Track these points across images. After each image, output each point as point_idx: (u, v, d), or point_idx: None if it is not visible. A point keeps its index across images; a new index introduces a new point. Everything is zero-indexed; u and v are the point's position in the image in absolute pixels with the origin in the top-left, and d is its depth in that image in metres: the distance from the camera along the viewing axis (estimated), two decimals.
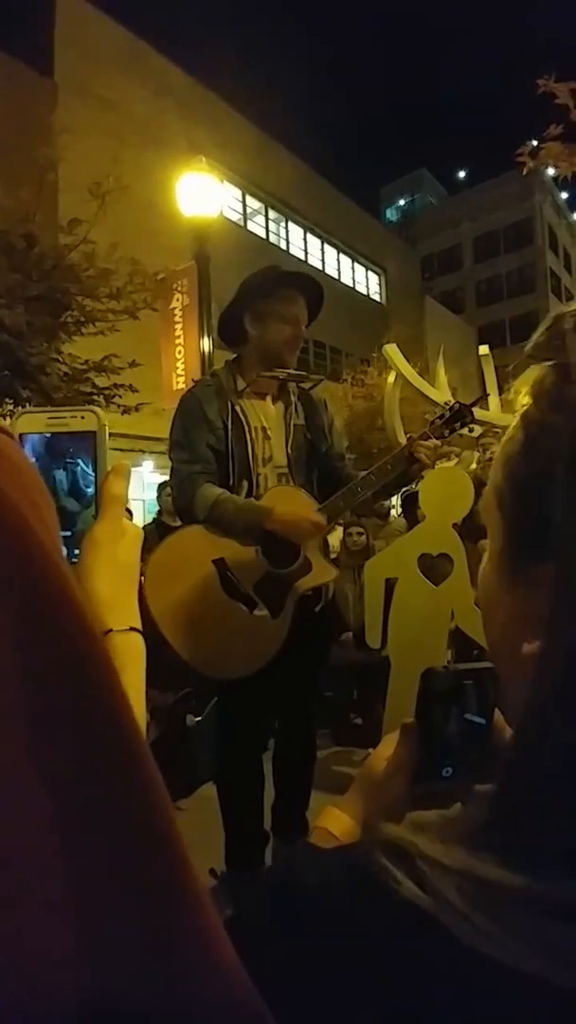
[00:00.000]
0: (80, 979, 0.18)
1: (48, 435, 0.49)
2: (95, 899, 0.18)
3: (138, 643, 0.46)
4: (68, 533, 0.49)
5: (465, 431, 1.83)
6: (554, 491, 0.29)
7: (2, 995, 0.17)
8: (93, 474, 0.50)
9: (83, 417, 0.50)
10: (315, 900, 0.29)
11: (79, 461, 0.49)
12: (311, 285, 1.86)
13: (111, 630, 0.44)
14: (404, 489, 2.53)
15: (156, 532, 4.38)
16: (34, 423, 0.49)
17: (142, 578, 1.73)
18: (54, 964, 0.17)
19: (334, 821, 0.53)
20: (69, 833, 0.18)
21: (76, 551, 0.47)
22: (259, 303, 1.79)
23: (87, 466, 0.50)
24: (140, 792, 0.20)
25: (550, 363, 0.33)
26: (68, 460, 0.50)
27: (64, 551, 0.48)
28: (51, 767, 0.18)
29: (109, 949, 0.18)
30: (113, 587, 0.46)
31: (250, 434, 1.76)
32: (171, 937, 0.19)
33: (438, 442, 1.72)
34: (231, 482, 1.72)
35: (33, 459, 0.49)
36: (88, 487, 0.50)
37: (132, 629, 0.46)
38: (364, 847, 0.30)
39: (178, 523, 1.77)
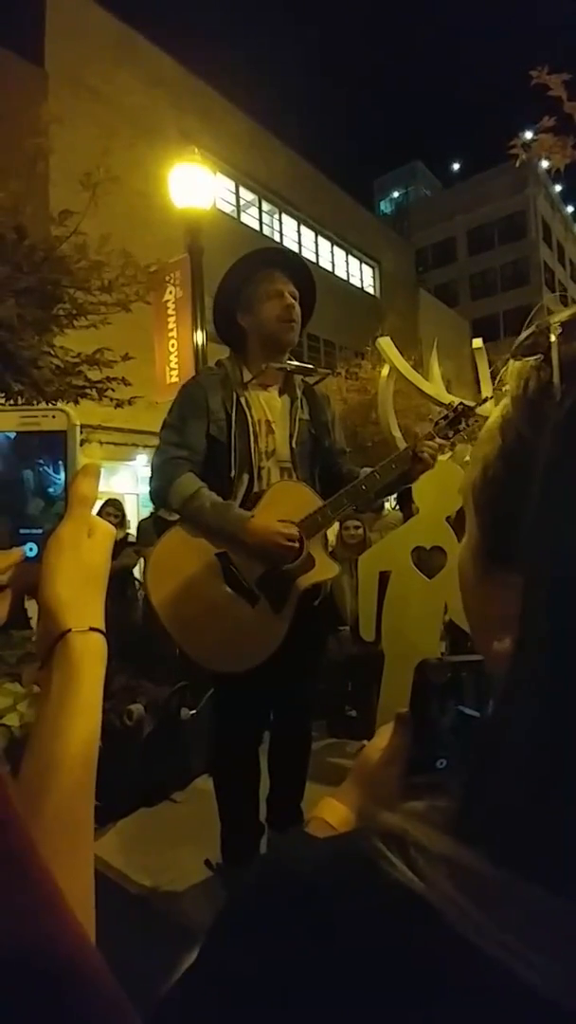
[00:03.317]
0: None
1: (15, 434, 0.50)
2: None
3: (98, 643, 0.46)
4: (39, 531, 0.49)
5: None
6: (527, 506, 0.29)
7: None
8: (62, 473, 0.50)
9: (54, 416, 0.50)
10: (306, 884, 0.29)
11: (47, 461, 0.50)
12: (281, 256, 1.85)
13: (69, 630, 0.45)
14: None
15: (153, 528, 4.36)
16: (6, 421, 0.50)
17: (144, 571, 1.72)
18: None
19: (331, 811, 0.53)
20: None
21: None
22: (242, 294, 1.80)
23: (55, 465, 0.50)
24: None
25: (533, 365, 0.32)
26: (36, 460, 0.50)
27: (35, 550, 0.49)
28: None
29: None
30: (75, 587, 0.47)
31: (253, 426, 1.74)
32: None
33: (443, 442, 1.72)
34: (232, 474, 1.71)
35: None
36: (51, 487, 0.50)
37: (93, 629, 0.46)
38: (358, 833, 0.30)
39: (175, 518, 1.75)
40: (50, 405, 0.52)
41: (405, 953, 0.25)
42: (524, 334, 0.33)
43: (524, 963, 0.23)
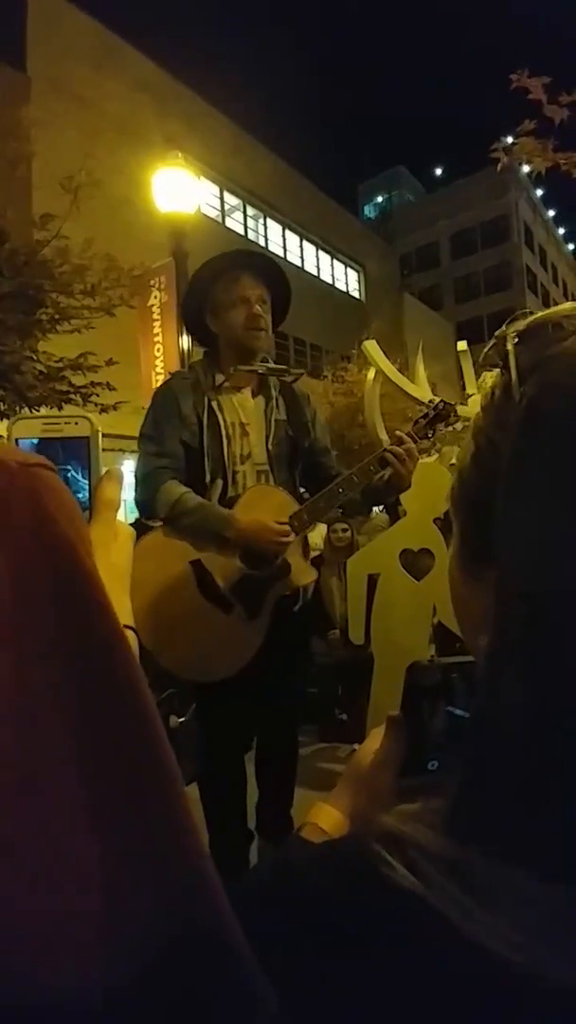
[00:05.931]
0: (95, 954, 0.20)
1: (37, 441, 0.52)
2: (115, 866, 0.22)
3: (131, 641, 0.47)
4: None
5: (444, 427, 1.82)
6: (496, 504, 0.31)
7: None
8: (86, 480, 0.52)
9: (77, 423, 0.52)
10: (310, 889, 0.29)
11: (70, 467, 0.52)
12: (247, 258, 1.82)
13: None
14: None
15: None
16: (30, 429, 0.52)
17: None
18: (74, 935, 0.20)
19: (324, 816, 0.53)
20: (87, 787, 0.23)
21: None
22: (209, 299, 1.78)
23: (78, 472, 0.52)
24: (151, 758, 0.25)
25: (499, 373, 0.34)
26: (59, 466, 0.51)
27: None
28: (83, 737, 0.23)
29: (125, 921, 0.21)
30: (107, 588, 0.47)
31: (226, 430, 1.71)
32: (183, 903, 0.23)
33: (414, 444, 1.67)
34: (206, 479, 1.69)
35: None
36: (78, 493, 0.51)
37: (125, 627, 0.47)
38: (357, 836, 0.30)
39: (157, 524, 1.73)
40: (73, 412, 0.54)
41: (409, 956, 0.25)
42: (487, 346, 0.35)
43: (532, 959, 0.23)
